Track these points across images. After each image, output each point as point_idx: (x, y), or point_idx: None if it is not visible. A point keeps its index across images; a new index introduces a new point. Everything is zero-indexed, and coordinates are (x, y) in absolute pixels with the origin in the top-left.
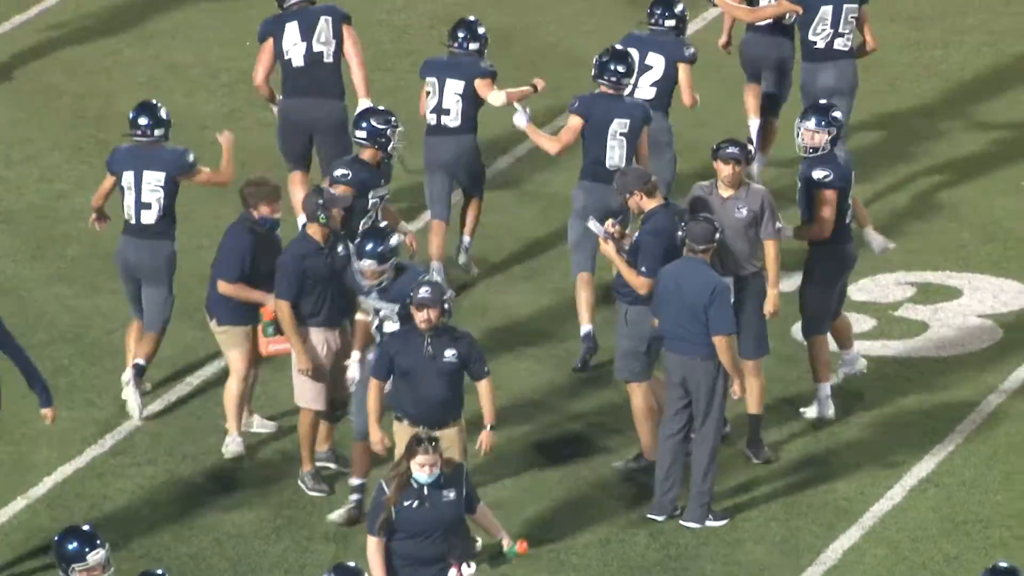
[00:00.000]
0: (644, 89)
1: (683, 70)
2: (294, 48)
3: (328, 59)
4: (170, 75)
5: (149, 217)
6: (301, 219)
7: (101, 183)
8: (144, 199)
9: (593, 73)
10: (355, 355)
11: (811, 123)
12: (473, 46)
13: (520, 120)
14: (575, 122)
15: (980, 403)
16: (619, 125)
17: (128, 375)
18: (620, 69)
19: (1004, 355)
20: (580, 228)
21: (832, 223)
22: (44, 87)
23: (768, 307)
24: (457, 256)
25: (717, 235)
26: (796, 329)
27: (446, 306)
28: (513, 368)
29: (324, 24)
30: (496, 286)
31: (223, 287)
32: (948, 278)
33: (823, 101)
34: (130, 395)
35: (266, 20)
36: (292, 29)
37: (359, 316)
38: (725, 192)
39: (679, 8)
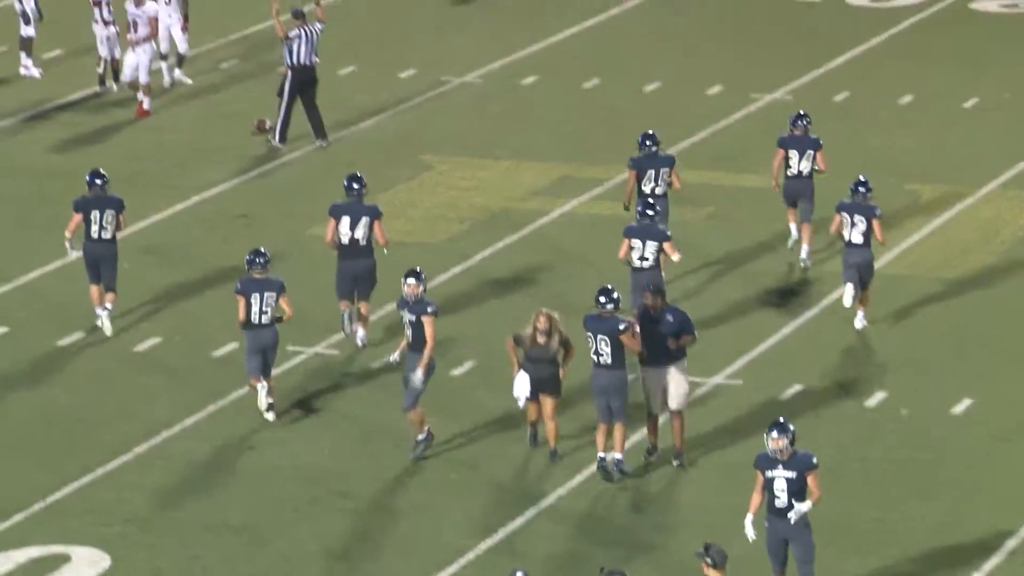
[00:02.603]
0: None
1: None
2: (343, 233)
3: (363, 243)
4: None
5: (267, 319)
6: (360, 334)
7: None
8: (264, 309)
9: None
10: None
11: (775, 433)
12: None
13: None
14: None
15: None
16: None
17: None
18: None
19: None
20: None
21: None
22: None
23: None
24: None
25: None
26: None
27: None
28: None
29: (364, 221)
30: None
31: None
32: None
33: (781, 419)
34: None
35: (335, 204)
36: (345, 220)
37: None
38: None
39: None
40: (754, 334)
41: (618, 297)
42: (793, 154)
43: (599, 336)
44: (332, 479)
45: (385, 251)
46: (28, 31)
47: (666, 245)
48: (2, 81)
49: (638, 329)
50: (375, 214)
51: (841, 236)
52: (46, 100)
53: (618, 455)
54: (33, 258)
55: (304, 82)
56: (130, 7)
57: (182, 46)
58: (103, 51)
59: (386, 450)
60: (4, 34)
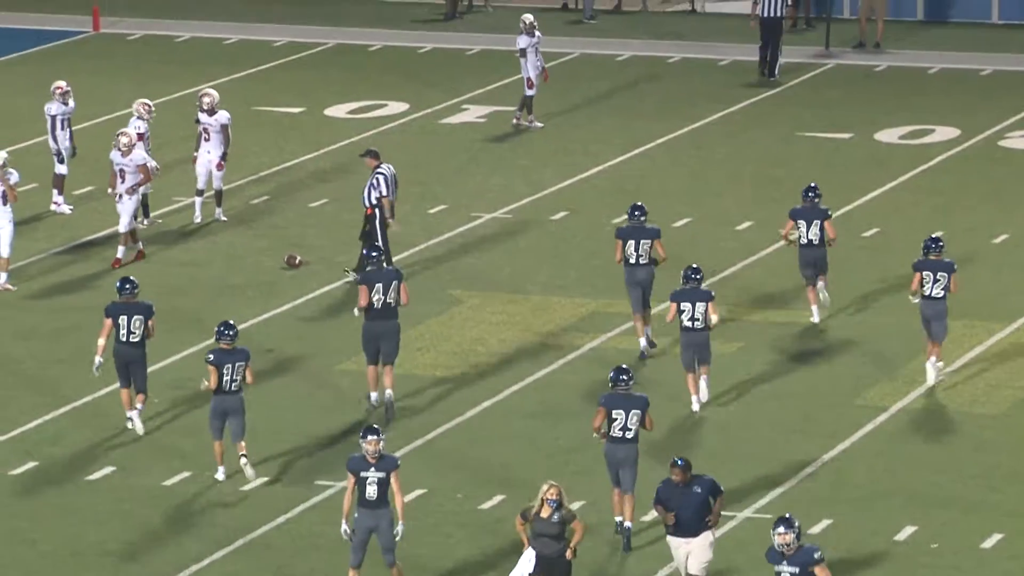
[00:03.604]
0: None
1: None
2: (376, 298)
3: (392, 304)
4: None
5: (235, 387)
6: (374, 396)
7: None
8: (234, 377)
9: None
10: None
11: (780, 528)
12: None
13: None
14: None
15: None
16: None
17: None
18: None
19: None
20: None
21: None
22: None
23: None
24: None
25: None
26: None
27: None
28: None
29: (394, 285)
30: None
31: None
32: None
33: (787, 514)
34: None
35: (365, 273)
36: (378, 287)
37: None
38: None
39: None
40: (784, 468)
41: (634, 374)
42: (802, 224)
43: (631, 412)
44: None
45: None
46: (61, 169)
47: (710, 305)
48: (34, 218)
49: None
50: (400, 276)
51: (920, 292)
52: (76, 236)
53: (628, 523)
54: (63, 393)
55: (385, 219)
56: (115, 156)
57: (217, 183)
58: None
59: None
60: (36, 171)
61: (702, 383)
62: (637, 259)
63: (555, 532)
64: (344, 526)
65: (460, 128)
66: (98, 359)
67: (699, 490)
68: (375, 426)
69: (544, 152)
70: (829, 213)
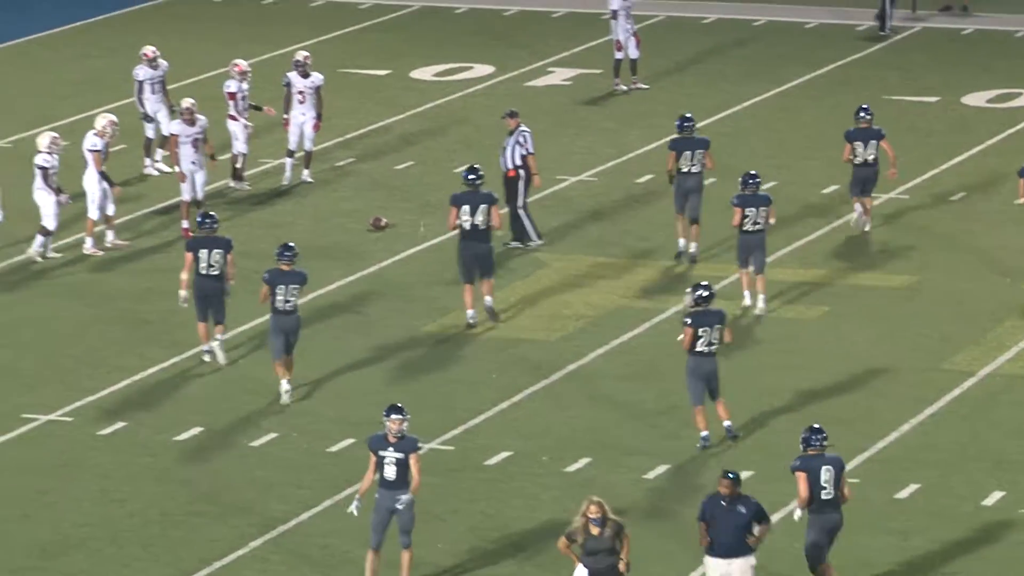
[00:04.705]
0: None
1: None
2: (464, 219)
3: (482, 227)
4: None
5: (290, 307)
6: (470, 313)
7: None
8: (288, 298)
9: None
10: None
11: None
12: None
13: None
14: None
15: None
16: None
17: None
18: None
19: None
20: None
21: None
22: None
23: None
24: None
25: None
26: None
27: None
28: None
29: (483, 208)
30: None
31: None
32: None
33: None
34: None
35: (455, 194)
36: (465, 208)
37: None
38: None
39: None
40: (871, 432)
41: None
42: (859, 145)
43: (715, 327)
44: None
45: (496, 231)
46: (150, 132)
47: (771, 209)
48: (123, 181)
49: (705, 517)
50: (491, 200)
51: None
52: (165, 198)
53: (727, 422)
54: (150, 355)
55: (531, 175)
56: (179, 127)
57: (309, 144)
58: (240, 147)
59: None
60: (122, 133)
61: (759, 298)
62: (689, 168)
63: (608, 547)
64: (356, 502)
65: (545, 91)
66: (182, 293)
67: (743, 510)
68: (399, 405)
69: (629, 115)
70: (883, 133)
